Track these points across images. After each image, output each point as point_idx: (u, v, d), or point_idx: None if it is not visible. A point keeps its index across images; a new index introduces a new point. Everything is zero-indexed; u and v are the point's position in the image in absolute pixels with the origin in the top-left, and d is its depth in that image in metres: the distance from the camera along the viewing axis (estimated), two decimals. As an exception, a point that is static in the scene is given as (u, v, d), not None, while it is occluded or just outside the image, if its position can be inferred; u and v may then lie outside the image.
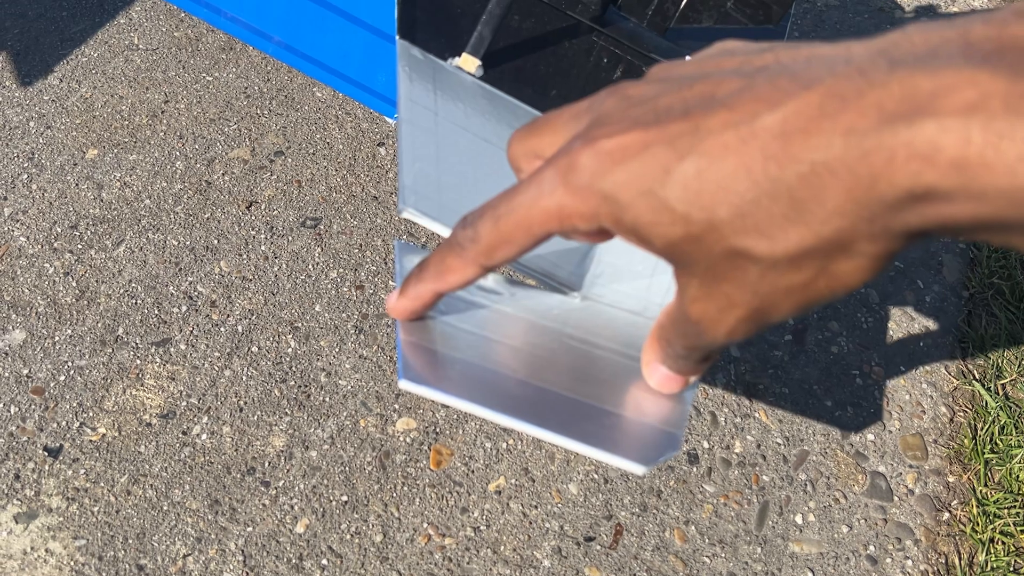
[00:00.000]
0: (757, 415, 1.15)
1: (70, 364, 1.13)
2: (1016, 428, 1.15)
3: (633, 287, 0.76)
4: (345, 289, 1.23)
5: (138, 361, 1.14)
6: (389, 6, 1.04)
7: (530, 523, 1.05)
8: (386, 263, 1.26)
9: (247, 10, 1.06)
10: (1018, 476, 1.11)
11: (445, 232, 0.71)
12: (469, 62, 0.86)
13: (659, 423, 0.64)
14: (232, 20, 1.06)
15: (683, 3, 0.94)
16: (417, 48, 0.86)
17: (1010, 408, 1.17)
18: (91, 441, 1.07)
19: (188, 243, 1.26)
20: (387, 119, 1.19)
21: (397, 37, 0.85)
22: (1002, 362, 1.22)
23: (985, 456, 1.13)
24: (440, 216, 0.73)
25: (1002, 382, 1.20)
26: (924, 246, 1.36)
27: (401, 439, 1.10)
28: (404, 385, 0.58)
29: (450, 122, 0.82)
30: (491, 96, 0.87)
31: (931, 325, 1.26)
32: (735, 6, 0.93)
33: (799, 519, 1.08)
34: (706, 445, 1.12)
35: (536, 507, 1.06)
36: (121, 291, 1.20)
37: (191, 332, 1.17)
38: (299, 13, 1.06)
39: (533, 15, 0.94)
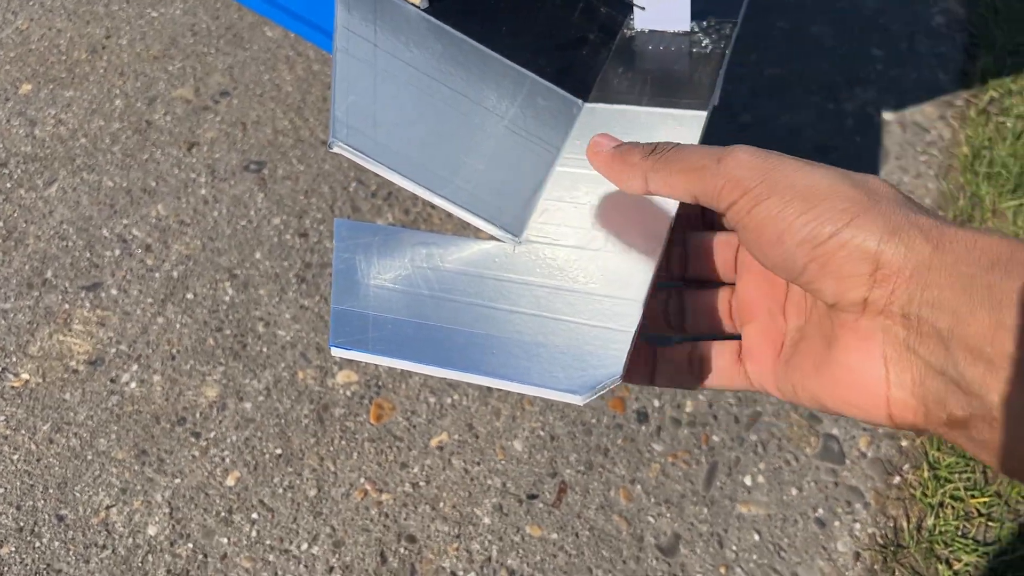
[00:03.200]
0: (710, 374, 1.12)
1: (-7, 307, 1.08)
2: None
3: (575, 224, 0.72)
4: (288, 237, 1.18)
5: (66, 305, 1.08)
6: None
7: (471, 479, 1.01)
8: (332, 210, 1.21)
9: None
10: (972, 441, 1.09)
11: (377, 169, 0.67)
12: None
13: (599, 352, 0.61)
14: None
15: None
16: None
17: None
18: (12, 387, 1.02)
19: (124, 184, 1.20)
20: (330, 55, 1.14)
21: None
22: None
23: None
24: (374, 153, 0.68)
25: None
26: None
27: (341, 392, 1.06)
28: (336, 352, 0.56)
29: (390, 55, 0.77)
30: (436, 30, 0.82)
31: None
32: None
33: (748, 480, 1.05)
34: (656, 404, 1.09)
35: (479, 464, 1.03)
36: (51, 233, 1.14)
37: (123, 277, 1.12)
38: None
39: None
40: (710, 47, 0.90)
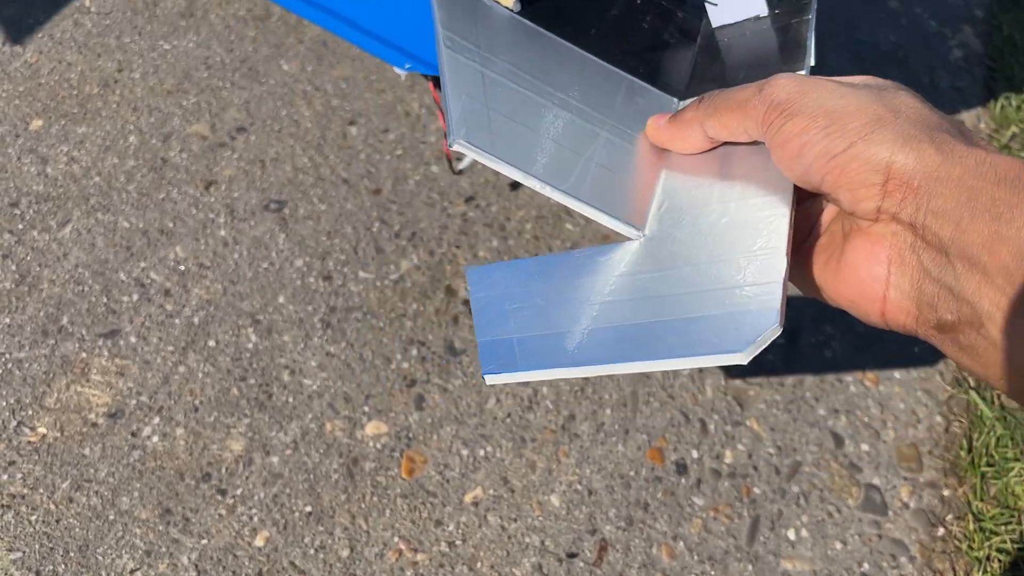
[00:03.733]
0: (748, 423, 1.09)
1: (8, 356, 1.03)
2: (1012, 440, 1.11)
3: (695, 206, 0.71)
4: (311, 279, 1.15)
5: (84, 354, 1.04)
6: None
7: (509, 537, 0.98)
8: (356, 252, 1.18)
9: None
10: (1014, 491, 1.07)
11: (498, 166, 0.67)
12: None
13: (752, 308, 0.59)
14: None
15: None
16: None
17: (1006, 419, 1.13)
18: (30, 442, 0.97)
19: (141, 225, 1.16)
20: (395, 69, 1.10)
21: None
22: (998, 370, 1.17)
23: (981, 469, 1.08)
24: (493, 150, 0.68)
25: (997, 391, 1.15)
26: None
27: (371, 445, 1.02)
28: (489, 379, 0.57)
29: (493, 56, 0.77)
30: (530, 32, 0.82)
31: (926, 329, 1.21)
32: None
33: (791, 534, 1.02)
34: (695, 455, 1.06)
35: (515, 520, 0.99)
36: (66, 277, 1.10)
37: (142, 323, 1.08)
38: None
39: None
40: (791, 19, 0.89)
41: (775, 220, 0.68)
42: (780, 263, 0.63)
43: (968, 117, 1.53)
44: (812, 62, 0.83)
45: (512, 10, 0.82)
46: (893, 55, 1.61)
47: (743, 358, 0.53)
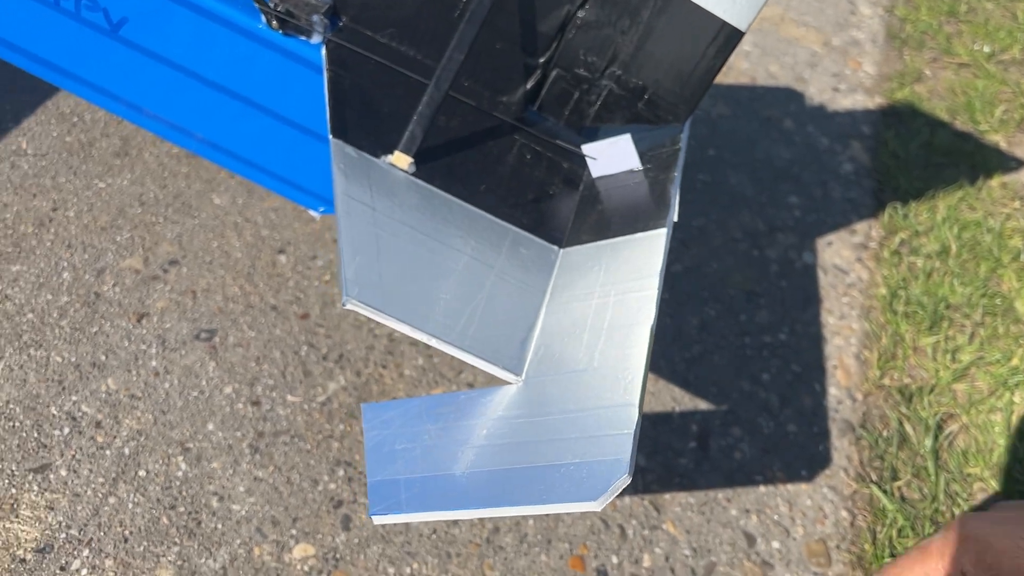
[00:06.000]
0: (665, 526, 1.14)
1: (-66, 496, 1.04)
2: (913, 530, 1.17)
3: (568, 355, 0.78)
4: (240, 406, 1.19)
5: (13, 490, 1.06)
6: (311, 102, 1.04)
7: (435, 653, 1.00)
8: (284, 376, 1.22)
9: (169, 108, 1.05)
10: (917, 579, 1.13)
11: (388, 322, 0.73)
12: (402, 159, 0.89)
13: (606, 458, 0.66)
14: (152, 118, 1.05)
15: (598, 104, 0.98)
16: (351, 146, 0.88)
17: (906, 510, 1.20)
18: (-46, 583, 0.98)
19: (73, 359, 1.20)
20: (311, 212, 1.18)
21: (330, 136, 0.87)
22: (896, 463, 1.25)
23: (884, 561, 1.14)
24: (384, 307, 0.74)
25: (897, 484, 1.23)
26: (820, 349, 1.40)
27: (299, 567, 1.04)
28: (376, 520, 0.63)
29: (387, 216, 0.84)
30: (424, 191, 0.89)
31: (829, 428, 1.29)
32: (645, 107, 0.97)
33: (709, 635, 1.06)
34: (615, 560, 1.10)
35: (441, 635, 1.02)
36: (-4, 413, 1.13)
37: (73, 456, 1.10)
38: (221, 110, 1.06)
39: (458, 115, 0.98)
40: (659, 174, 1.00)
41: (631, 375, 0.76)
42: (632, 415, 0.72)
43: (860, 226, 1.66)
44: (675, 218, 0.93)
45: (407, 172, 0.91)
46: (788, 171, 1.75)
47: (596, 506, 0.60)
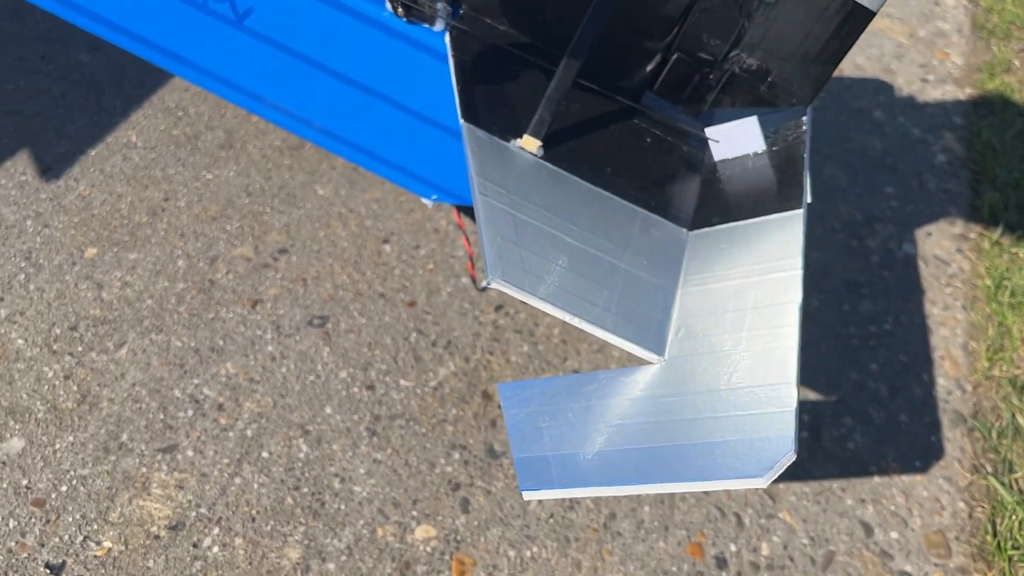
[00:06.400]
0: (781, 515, 1.14)
1: (72, 473, 1.08)
2: (1034, 523, 1.15)
3: (711, 335, 0.78)
4: (356, 390, 1.21)
5: (144, 469, 1.09)
6: (432, 91, 1.06)
7: (560, 635, 1.01)
8: (396, 361, 1.24)
9: (289, 96, 1.07)
10: (1041, 572, 1.11)
11: (531, 301, 0.75)
12: (531, 143, 0.90)
13: (768, 435, 0.66)
14: (272, 107, 1.07)
15: (718, 88, 0.98)
16: (482, 130, 0.90)
17: (1026, 502, 1.17)
18: (96, 556, 1.01)
19: (193, 344, 1.23)
20: (424, 200, 1.19)
21: (461, 120, 0.89)
22: (1012, 455, 1.23)
23: (1008, 553, 1.12)
24: (527, 286, 0.76)
25: (1015, 476, 1.21)
26: (925, 339, 1.38)
27: (421, 548, 1.06)
28: (527, 495, 0.63)
29: (521, 198, 0.86)
30: (553, 174, 0.90)
31: (940, 419, 1.27)
32: (768, 90, 0.97)
33: (831, 623, 1.05)
34: (733, 548, 1.10)
35: (565, 617, 1.02)
36: (124, 395, 1.16)
37: (198, 437, 1.13)
38: (342, 99, 1.08)
39: (580, 99, 0.99)
40: (785, 156, 0.99)
41: (785, 353, 0.77)
42: (792, 393, 0.72)
43: (959, 216, 1.63)
44: (809, 199, 0.93)
45: (536, 155, 0.93)
46: (882, 162, 1.72)
47: (762, 483, 0.60)
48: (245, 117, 1.59)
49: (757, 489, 1.16)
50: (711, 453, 0.68)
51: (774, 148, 1.00)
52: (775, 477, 0.60)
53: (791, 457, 0.63)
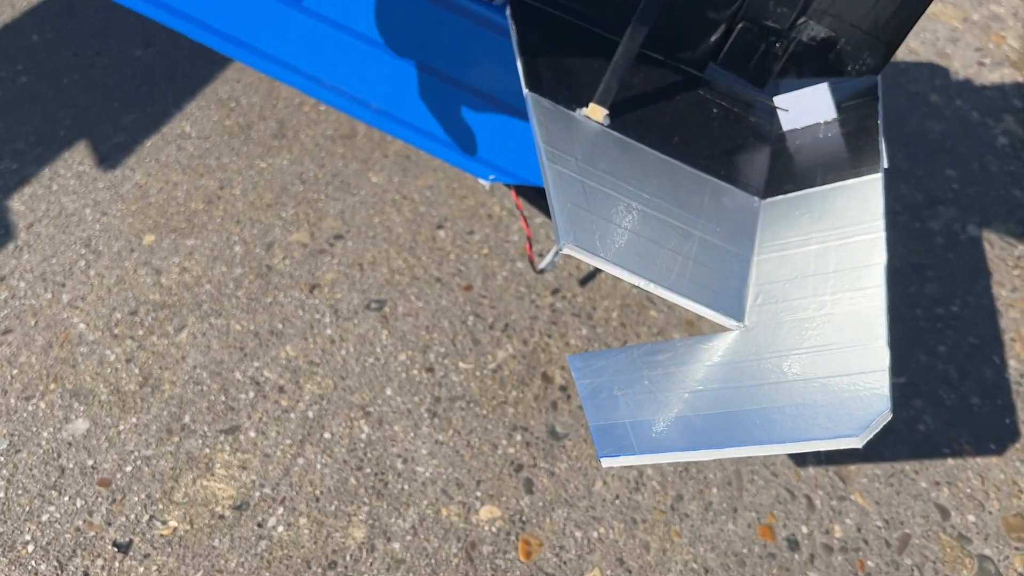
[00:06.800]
0: (853, 497, 1.10)
1: (136, 454, 1.08)
2: (1118, 506, 1.11)
3: (792, 299, 0.76)
4: (415, 372, 1.20)
5: (207, 450, 1.09)
6: (493, 68, 1.05)
7: (630, 616, 0.99)
8: (454, 344, 1.23)
9: (348, 78, 1.07)
10: None
11: (605, 266, 0.73)
12: (597, 111, 0.89)
13: (861, 395, 0.63)
14: (330, 89, 1.06)
15: (785, 57, 0.96)
16: (547, 99, 0.88)
17: (1109, 485, 1.13)
18: (162, 535, 1.01)
19: (252, 328, 1.23)
20: (481, 181, 1.18)
21: (525, 90, 0.87)
22: (1092, 438, 1.19)
23: (1092, 536, 1.08)
24: (600, 252, 0.74)
25: (1095, 458, 1.17)
26: (994, 322, 1.34)
27: (486, 528, 1.04)
28: (606, 463, 0.59)
29: (589, 166, 0.84)
30: (620, 143, 0.89)
31: (1014, 401, 1.23)
32: (836, 59, 0.95)
33: (910, 607, 1.02)
34: (805, 530, 1.07)
35: (635, 599, 1.00)
36: (186, 378, 1.16)
37: (260, 419, 1.12)
38: (400, 79, 1.07)
39: (643, 69, 0.98)
40: (858, 123, 0.96)
41: (872, 313, 0.74)
42: (883, 353, 0.69)
43: (1022, 197, 1.59)
44: (886, 164, 0.90)
45: (603, 124, 0.91)
46: (942, 144, 1.69)
47: (858, 442, 0.57)
48: (297, 107, 1.60)
49: (826, 470, 1.13)
50: (800, 415, 0.66)
51: (845, 116, 0.98)
52: (870, 436, 0.57)
53: (887, 416, 0.60)
